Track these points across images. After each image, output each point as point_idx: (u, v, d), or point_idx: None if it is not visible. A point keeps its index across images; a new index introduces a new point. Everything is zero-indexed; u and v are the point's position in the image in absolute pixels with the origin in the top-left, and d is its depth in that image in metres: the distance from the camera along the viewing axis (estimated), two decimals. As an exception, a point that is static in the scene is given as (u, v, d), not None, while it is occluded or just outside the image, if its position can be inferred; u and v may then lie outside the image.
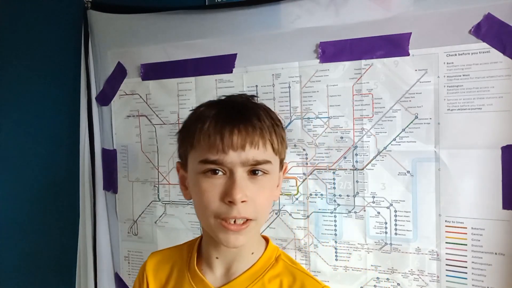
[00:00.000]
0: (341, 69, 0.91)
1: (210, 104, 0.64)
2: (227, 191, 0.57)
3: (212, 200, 0.58)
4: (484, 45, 0.79)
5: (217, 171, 0.59)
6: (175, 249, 0.75)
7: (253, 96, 0.68)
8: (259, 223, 0.62)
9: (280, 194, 0.97)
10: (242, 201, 0.57)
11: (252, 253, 0.65)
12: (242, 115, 0.59)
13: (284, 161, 0.68)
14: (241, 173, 0.58)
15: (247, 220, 0.59)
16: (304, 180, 0.97)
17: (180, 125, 1.08)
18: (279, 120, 0.66)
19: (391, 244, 0.90)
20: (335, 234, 0.95)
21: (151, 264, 0.74)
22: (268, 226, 0.99)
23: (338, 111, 0.92)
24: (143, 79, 1.12)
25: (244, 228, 0.59)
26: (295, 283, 0.63)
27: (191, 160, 0.62)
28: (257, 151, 0.58)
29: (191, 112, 0.68)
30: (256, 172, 0.59)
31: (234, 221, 0.58)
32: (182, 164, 0.67)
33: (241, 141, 0.57)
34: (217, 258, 0.66)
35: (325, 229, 0.96)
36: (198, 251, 0.70)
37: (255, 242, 0.66)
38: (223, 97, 0.68)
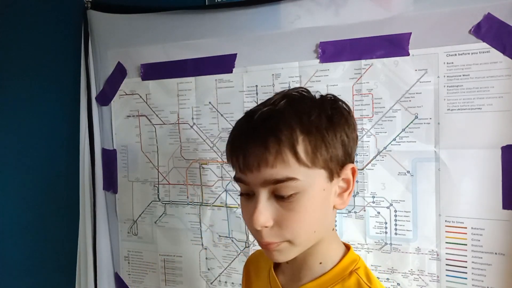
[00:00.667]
0: (341, 69, 0.91)
1: (243, 115, 0.60)
2: (251, 214, 0.54)
3: (247, 221, 0.57)
4: (484, 45, 0.79)
5: (248, 194, 0.57)
6: None
7: (291, 94, 0.58)
8: (296, 244, 0.56)
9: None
10: (266, 226, 0.54)
11: (320, 263, 0.60)
12: (257, 132, 0.53)
13: (350, 163, 0.59)
14: (264, 196, 0.54)
15: (276, 242, 0.55)
16: (304, 180, 0.96)
17: (180, 125, 1.09)
18: (329, 117, 0.56)
19: (391, 244, 0.90)
20: (335, 234, 0.95)
21: (254, 258, 0.77)
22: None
23: (338, 111, 0.92)
24: (143, 79, 1.12)
25: (275, 247, 0.55)
26: None
27: None
28: (274, 170, 0.52)
29: None
30: (284, 195, 0.53)
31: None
32: None
33: (254, 163, 0.53)
34: (287, 263, 0.63)
35: (325, 229, 0.96)
36: None
37: (322, 251, 0.60)
38: (274, 96, 0.59)
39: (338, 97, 0.61)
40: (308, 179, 0.53)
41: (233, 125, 0.60)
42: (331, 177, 0.56)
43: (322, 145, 0.54)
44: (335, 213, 0.61)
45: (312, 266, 0.60)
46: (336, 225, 0.94)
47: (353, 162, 0.59)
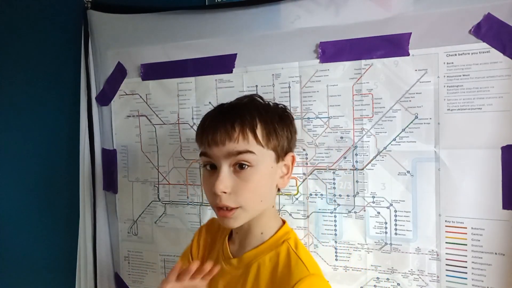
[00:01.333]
0: (341, 69, 0.91)
1: (215, 107, 0.75)
2: (212, 184, 0.67)
3: (207, 191, 0.71)
4: (484, 45, 0.79)
5: (211, 166, 0.70)
6: None
7: (254, 96, 0.75)
8: (247, 210, 0.68)
9: (280, 194, 0.98)
10: (224, 192, 0.66)
11: (262, 233, 0.73)
12: (226, 115, 0.68)
13: (293, 153, 0.75)
14: (226, 167, 0.67)
15: (232, 208, 0.67)
16: (304, 180, 0.97)
17: (180, 125, 1.09)
18: (280, 116, 0.73)
19: (391, 244, 0.90)
20: (335, 234, 0.95)
21: (210, 224, 0.89)
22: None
23: (338, 111, 0.92)
24: (143, 79, 1.12)
25: (231, 215, 0.68)
26: (286, 265, 0.68)
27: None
28: (237, 144, 0.66)
29: None
30: (243, 166, 0.67)
31: (224, 207, 0.68)
32: None
33: (221, 138, 0.66)
34: (236, 232, 0.77)
35: (325, 229, 0.96)
36: None
37: (263, 223, 0.74)
38: (232, 100, 0.77)
39: (286, 106, 0.79)
40: (261, 156, 0.68)
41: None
42: (277, 159, 0.71)
43: (273, 133, 0.70)
44: (275, 192, 0.75)
45: (255, 235, 0.74)
46: (336, 226, 0.95)
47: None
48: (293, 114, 0.95)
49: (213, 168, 0.70)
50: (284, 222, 0.77)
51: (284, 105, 0.78)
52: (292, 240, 0.73)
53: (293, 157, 0.75)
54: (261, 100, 0.75)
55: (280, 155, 0.72)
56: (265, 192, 0.71)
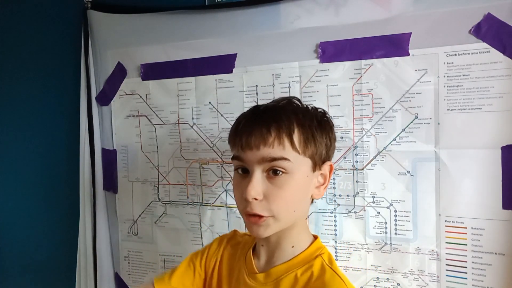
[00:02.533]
0: (341, 69, 0.91)
1: (250, 108, 0.71)
2: (244, 189, 0.63)
3: (238, 197, 0.67)
4: (484, 45, 0.79)
5: (243, 170, 0.66)
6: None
7: (292, 99, 0.71)
8: (279, 219, 0.64)
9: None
10: (255, 199, 0.62)
11: (292, 247, 0.68)
12: (262, 119, 0.64)
13: (331, 162, 0.70)
14: (258, 173, 0.63)
15: (263, 216, 0.63)
16: (304, 180, 0.97)
17: (180, 125, 1.09)
18: (319, 122, 0.68)
19: (391, 244, 0.90)
20: (335, 234, 0.95)
21: (233, 237, 0.83)
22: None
23: (338, 111, 0.92)
24: (143, 79, 1.12)
25: (261, 223, 0.63)
26: (320, 278, 0.64)
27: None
28: (271, 149, 0.62)
29: None
30: (277, 172, 0.62)
31: (254, 215, 0.63)
32: None
33: (256, 142, 0.62)
34: (262, 245, 0.72)
35: (325, 229, 0.96)
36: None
37: (295, 236, 0.68)
38: (269, 102, 0.73)
39: (326, 111, 0.73)
40: (297, 163, 0.63)
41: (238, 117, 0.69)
42: (314, 167, 0.66)
43: (312, 139, 0.65)
44: (309, 203, 0.70)
45: (285, 249, 0.68)
46: (336, 226, 0.95)
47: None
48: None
49: (245, 172, 0.65)
50: (316, 237, 0.72)
51: (323, 110, 0.73)
52: (326, 255, 0.68)
53: (331, 166, 0.69)
54: (299, 103, 0.70)
55: (318, 163, 0.67)
56: (299, 201, 0.66)
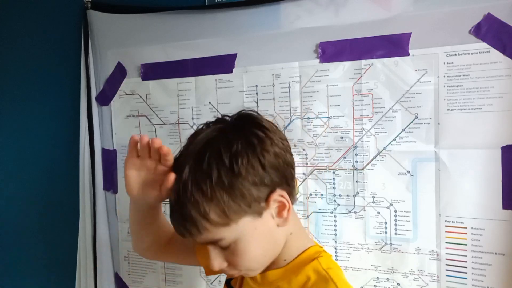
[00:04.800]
0: (341, 69, 0.91)
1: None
2: (208, 262, 0.63)
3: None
4: (484, 45, 0.79)
5: None
6: None
7: (216, 133, 0.62)
8: (255, 270, 0.64)
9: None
10: (223, 268, 0.63)
11: (285, 260, 0.66)
12: (177, 220, 0.62)
13: (272, 193, 0.60)
14: (212, 249, 0.62)
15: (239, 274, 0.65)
16: (304, 180, 0.97)
17: (180, 125, 1.09)
18: (228, 170, 0.57)
19: (391, 244, 0.90)
20: (335, 234, 0.95)
21: None
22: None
23: (338, 111, 0.92)
24: (143, 79, 1.11)
25: (240, 274, 0.66)
26: (315, 283, 0.62)
27: None
28: (204, 236, 0.59)
29: None
30: (223, 247, 0.61)
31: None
32: None
33: (185, 233, 0.61)
34: None
35: (325, 229, 0.96)
36: None
37: (285, 253, 0.66)
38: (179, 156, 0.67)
39: (259, 115, 0.65)
40: (233, 232, 0.59)
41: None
42: (258, 214, 0.60)
43: (230, 202, 0.57)
44: (281, 233, 0.64)
45: (277, 263, 0.66)
46: (336, 226, 0.94)
47: (281, 185, 0.61)
48: (293, 114, 0.96)
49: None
50: (315, 244, 0.70)
51: (253, 116, 0.64)
52: (324, 259, 0.65)
53: (281, 195, 0.61)
54: (204, 154, 0.58)
55: (258, 208, 0.59)
56: (264, 250, 0.63)
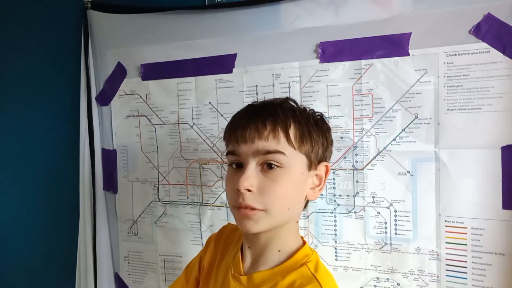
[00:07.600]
0: (341, 69, 0.91)
1: (245, 106, 0.70)
2: (236, 181, 0.61)
3: (229, 190, 0.65)
4: (484, 45, 0.79)
5: (237, 165, 0.65)
6: None
7: (288, 99, 0.70)
8: (271, 215, 0.62)
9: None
10: (248, 190, 0.61)
11: (279, 251, 0.67)
12: (257, 114, 0.64)
13: (327, 163, 0.69)
14: (253, 165, 0.62)
15: (256, 208, 0.61)
16: (304, 180, 0.97)
17: (180, 125, 1.09)
18: (316, 122, 0.68)
19: (391, 244, 0.90)
20: (335, 234, 0.95)
21: (228, 231, 0.83)
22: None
23: (338, 111, 0.92)
24: (143, 79, 1.12)
25: (252, 215, 0.61)
26: (303, 284, 0.62)
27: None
28: (266, 143, 0.61)
29: None
30: (272, 166, 0.62)
31: (246, 207, 0.62)
32: None
33: (250, 135, 0.62)
34: (248, 247, 0.70)
35: (325, 229, 0.96)
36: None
37: (283, 239, 0.67)
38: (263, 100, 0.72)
39: (323, 114, 0.74)
40: (292, 158, 0.63)
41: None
42: (309, 166, 0.66)
43: (308, 136, 0.65)
44: (303, 205, 0.69)
45: (271, 253, 0.67)
46: (336, 226, 0.94)
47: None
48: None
49: (239, 167, 0.64)
50: (304, 243, 0.70)
51: (321, 113, 0.72)
52: (312, 264, 0.65)
53: (327, 167, 0.69)
54: (295, 104, 0.69)
55: (313, 162, 0.66)
56: (293, 198, 0.64)
